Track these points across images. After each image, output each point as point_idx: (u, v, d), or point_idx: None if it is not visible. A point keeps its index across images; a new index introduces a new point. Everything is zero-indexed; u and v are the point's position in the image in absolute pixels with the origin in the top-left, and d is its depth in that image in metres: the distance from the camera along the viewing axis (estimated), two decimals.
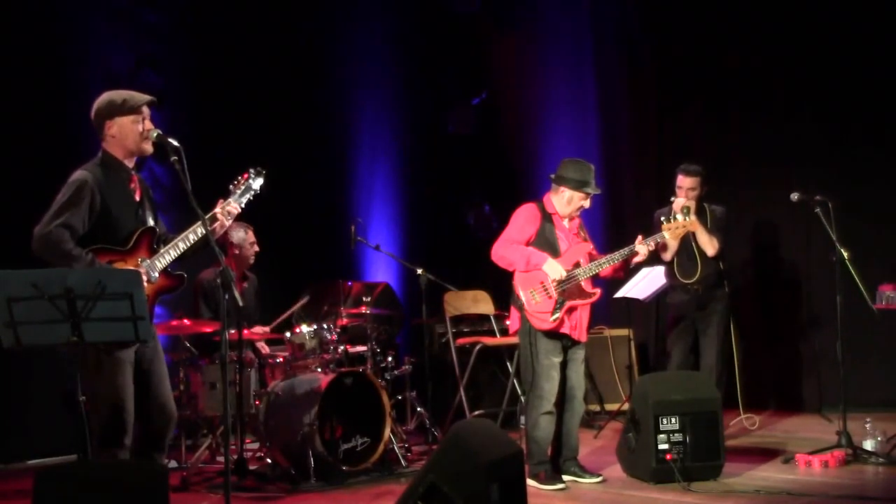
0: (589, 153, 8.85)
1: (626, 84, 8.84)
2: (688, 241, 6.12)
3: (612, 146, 8.93)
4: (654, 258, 6.32)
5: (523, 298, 5.24)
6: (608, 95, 8.99)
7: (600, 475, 5.29)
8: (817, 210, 5.73)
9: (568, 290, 5.21)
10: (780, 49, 7.77)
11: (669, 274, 6.25)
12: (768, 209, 7.68)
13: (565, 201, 5.30)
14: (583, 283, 5.24)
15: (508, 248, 5.29)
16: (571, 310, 5.23)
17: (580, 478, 5.27)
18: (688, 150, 7.77)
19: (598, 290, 5.31)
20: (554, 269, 5.18)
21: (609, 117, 8.98)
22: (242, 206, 4.29)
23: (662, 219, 5.46)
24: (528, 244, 5.30)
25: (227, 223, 4.23)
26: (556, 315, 5.18)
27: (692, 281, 6.15)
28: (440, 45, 9.41)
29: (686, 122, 8.31)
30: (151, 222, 4.14)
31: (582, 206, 5.32)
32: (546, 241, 5.29)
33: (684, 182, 6.13)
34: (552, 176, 5.37)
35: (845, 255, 5.64)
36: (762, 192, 7.70)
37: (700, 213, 6.14)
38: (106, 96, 4.09)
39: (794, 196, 5.81)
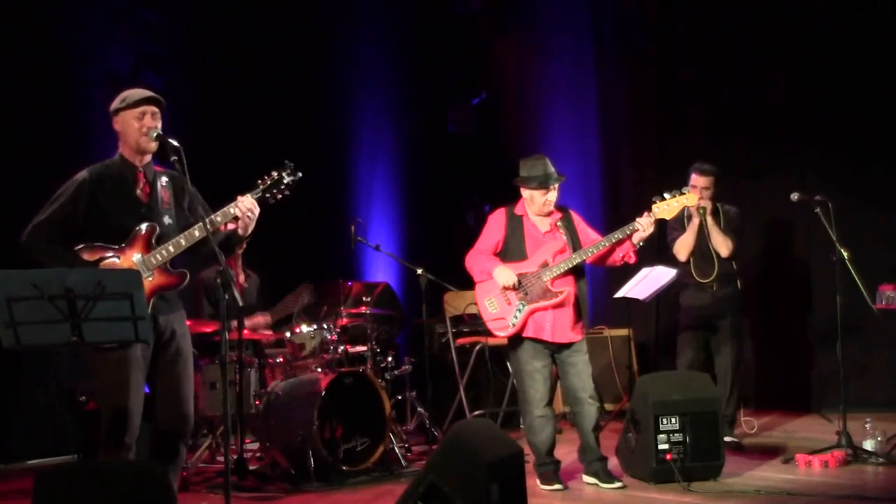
0: (589, 153, 8.88)
1: (626, 84, 8.84)
2: (703, 241, 6.13)
3: (612, 146, 8.93)
4: (653, 258, 6.33)
5: (479, 309, 5.24)
6: (608, 95, 8.98)
7: (620, 481, 5.15)
8: (817, 210, 5.73)
9: (531, 293, 5.14)
10: (781, 47, 7.77)
11: (686, 274, 6.24)
12: (768, 209, 7.68)
13: (529, 200, 5.29)
14: (548, 284, 5.14)
15: (472, 258, 5.30)
16: (540, 313, 5.14)
17: (601, 482, 5.15)
18: (688, 150, 7.77)
19: (563, 290, 5.12)
20: (503, 276, 5.14)
21: (609, 117, 8.97)
22: (270, 201, 4.19)
23: (656, 198, 5.41)
24: (497, 250, 5.28)
25: (250, 222, 4.10)
26: (515, 321, 5.13)
27: (709, 280, 6.16)
28: (440, 45, 9.41)
29: (686, 121, 8.30)
30: (168, 220, 4.09)
31: (548, 201, 5.23)
32: (514, 245, 5.26)
33: (699, 181, 6.11)
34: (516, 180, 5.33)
35: (845, 255, 5.64)
36: (762, 191, 7.70)
37: (714, 213, 6.16)
38: (120, 95, 4.12)
39: (794, 196, 5.81)
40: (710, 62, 8.14)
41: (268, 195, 4.16)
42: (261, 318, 6.55)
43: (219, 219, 4.05)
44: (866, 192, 7.25)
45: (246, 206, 4.07)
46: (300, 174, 4.22)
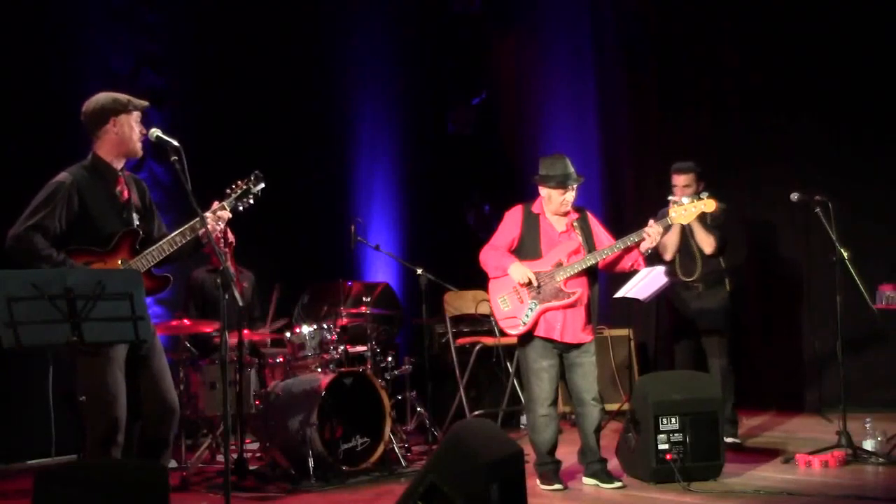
0: (589, 153, 8.87)
1: (626, 84, 8.84)
2: (686, 239, 6.15)
3: (612, 146, 8.93)
4: (654, 258, 6.32)
5: (492, 307, 5.25)
6: (608, 95, 8.98)
7: (620, 480, 5.17)
8: (817, 210, 5.73)
9: (544, 292, 5.13)
10: (780, 48, 7.77)
11: (671, 273, 6.27)
12: (768, 209, 7.69)
13: (546, 199, 5.28)
14: (561, 285, 5.13)
15: (487, 253, 5.29)
16: (552, 312, 5.13)
17: (601, 482, 5.16)
18: (688, 150, 7.76)
19: (576, 291, 5.11)
20: (518, 273, 5.13)
21: (609, 117, 8.97)
22: (240, 209, 4.26)
23: (671, 199, 5.44)
24: (513, 247, 5.28)
25: (218, 228, 4.19)
26: (526, 319, 5.13)
27: (693, 278, 6.18)
28: (440, 45, 9.41)
29: (686, 121, 8.31)
30: (137, 223, 4.12)
31: (565, 201, 5.22)
32: (529, 243, 5.25)
33: (678, 180, 6.16)
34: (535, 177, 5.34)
35: (845, 255, 5.63)
36: (762, 191, 7.70)
37: None
38: (107, 95, 4.10)
39: (794, 196, 5.81)
40: (710, 63, 8.13)
41: (238, 204, 4.24)
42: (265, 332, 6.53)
43: (198, 226, 4.09)
44: (866, 192, 7.24)
45: (218, 215, 4.15)
46: (263, 185, 4.31)
